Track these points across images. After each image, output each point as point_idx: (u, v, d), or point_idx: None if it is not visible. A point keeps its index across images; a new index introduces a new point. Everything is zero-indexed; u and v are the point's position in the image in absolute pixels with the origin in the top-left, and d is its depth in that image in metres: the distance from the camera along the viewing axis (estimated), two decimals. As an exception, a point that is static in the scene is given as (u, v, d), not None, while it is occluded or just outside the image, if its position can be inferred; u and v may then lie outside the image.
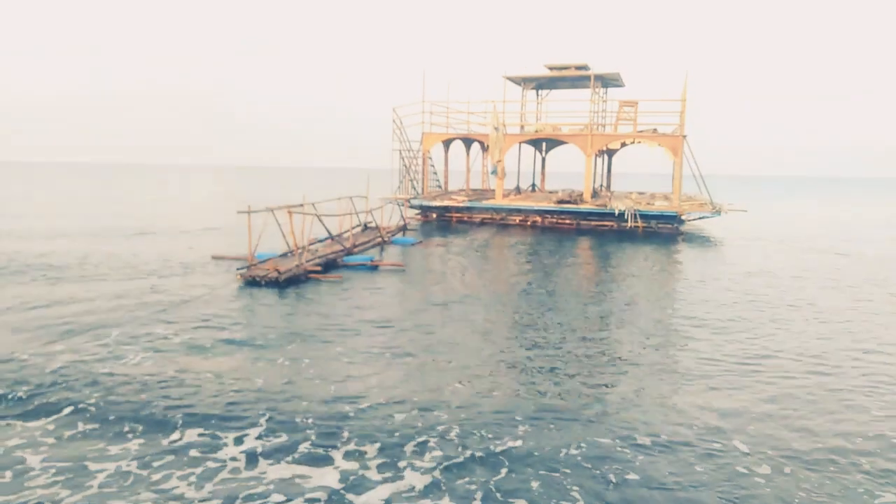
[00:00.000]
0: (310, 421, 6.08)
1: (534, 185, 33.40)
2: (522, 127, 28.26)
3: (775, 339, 9.25)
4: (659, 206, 23.97)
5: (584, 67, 26.91)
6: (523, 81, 28.84)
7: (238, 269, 12.59)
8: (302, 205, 14.73)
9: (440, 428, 5.97)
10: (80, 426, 5.90)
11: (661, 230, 23.49)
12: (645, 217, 23.09)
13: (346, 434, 5.81)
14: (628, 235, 22.36)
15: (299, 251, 13.04)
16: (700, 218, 23.89)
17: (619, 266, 15.89)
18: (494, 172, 25.77)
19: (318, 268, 13.15)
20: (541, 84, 29.99)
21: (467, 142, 30.26)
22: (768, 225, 29.60)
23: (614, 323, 10.06)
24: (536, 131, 27.14)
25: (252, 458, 5.41)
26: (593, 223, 24.28)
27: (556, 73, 27.50)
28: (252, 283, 12.03)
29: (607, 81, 27.87)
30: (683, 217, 23.77)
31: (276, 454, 5.47)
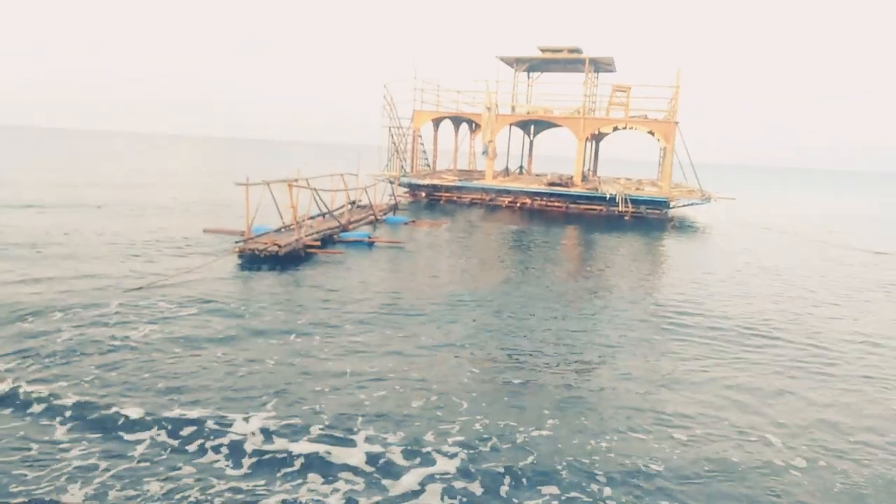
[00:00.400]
0: (324, 404, 5.94)
1: (521, 167, 33.29)
2: (514, 108, 28.02)
3: (792, 326, 9.32)
4: (649, 192, 24.06)
5: (577, 51, 26.70)
6: (516, 62, 28.54)
7: (236, 241, 12.30)
8: (297, 180, 14.40)
9: (462, 415, 5.88)
10: (97, 399, 5.69)
11: (650, 216, 23.59)
12: (635, 202, 23.15)
13: (362, 419, 5.69)
14: (617, 221, 22.42)
15: (298, 225, 12.78)
16: (689, 204, 24.04)
17: (619, 253, 15.92)
18: (485, 153, 25.56)
19: (318, 243, 12.93)
20: (533, 66, 29.73)
21: (456, 121, 29.97)
22: (755, 213, 29.96)
23: (625, 311, 10.03)
24: (528, 113, 26.95)
25: (271, 437, 5.29)
26: (582, 207, 24.29)
27: (548, 56, 27.25)
28: (250, 257, 11.75)
29: (600, 66, 27.73)
30: (672, 203, 23.91)
31: (294, 434, 5.35)
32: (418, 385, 6.50)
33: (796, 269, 14.61)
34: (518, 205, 24.96)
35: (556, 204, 24.61)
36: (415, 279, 11.43)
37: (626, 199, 22.76)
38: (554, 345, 8.01)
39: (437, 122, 28.40)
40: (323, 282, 10.67)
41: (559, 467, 5.02)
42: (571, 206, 24.44)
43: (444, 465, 4.98)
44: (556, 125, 27.92)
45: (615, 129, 25.27)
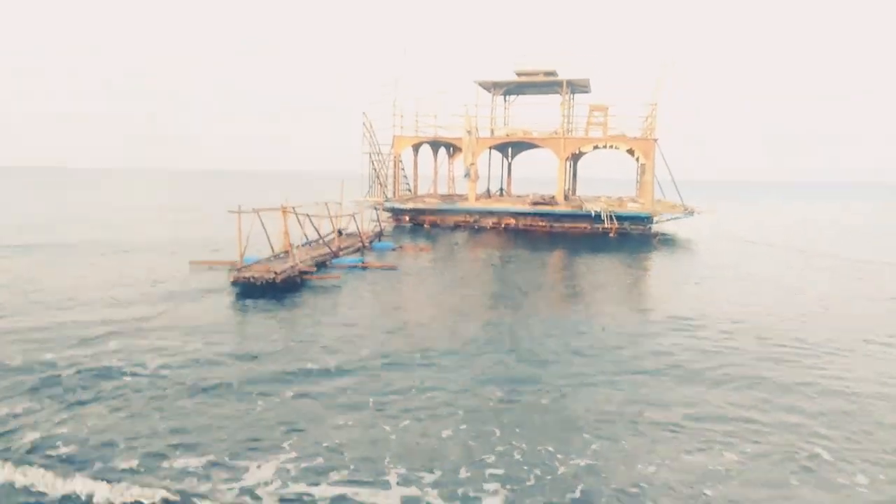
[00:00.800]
0: (347, 441, 5.54)
1: (501, 189, 33.30)
2: (493, 131, 28.06)
3: (810, 336, 9.18)
4: (631, 208, 24.15)
5: (553, 73, 26.93)
6: (493, 87, 28.68)
7: (230, 270, 11.83)
8: (282, 207, 14.02)
9: (497, 444, 5.54)
10: (100, 450, 5.20)
11: (633, 232, 23.64)
12: (619, 219, 23.20)
13: (389, 455, 5.31)
14: (602, 238, 22.40)
15: (293, 252, 12.41)
16: (673, 219, 24.17)
17: (617, 272, 15.79)
18: (467, 175, 25.47)
19: (313, 269, 12.54)
20: (509, 90, 29.91)
21: (435, 146, 29.90)
22: (736, 226, 30.29)
23: (641, 329, 9.81)
24: (508, 135, 26.99)
25: (289, 481, 4.87)
26: (567, 226, 24.26)
27: (524, 79, 27.43)
28: (246, 286, 11.29)
29: (575, 87, 27.97)
30: (656, 219, 24.04)
31: (315, 477, 4.93)
32: (445, 413, 6.15)
33: (787, 279, 14.66)
34: (502, 226, 24.83)
35: (541, 223, 24.54)
36: (418, 305, 11.07)
37: (611, 216, 22.79)
38: (575, 366, 7.70)
39: (416, 147, 28.29)
40: (327, 310, 10.25)
41: (605, 499, 4.70)
42: (555, 224, 24.39)
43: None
44: (535, 146, 28.02)
45: (595, 147, 25.41)
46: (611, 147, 24.93)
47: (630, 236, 23.04)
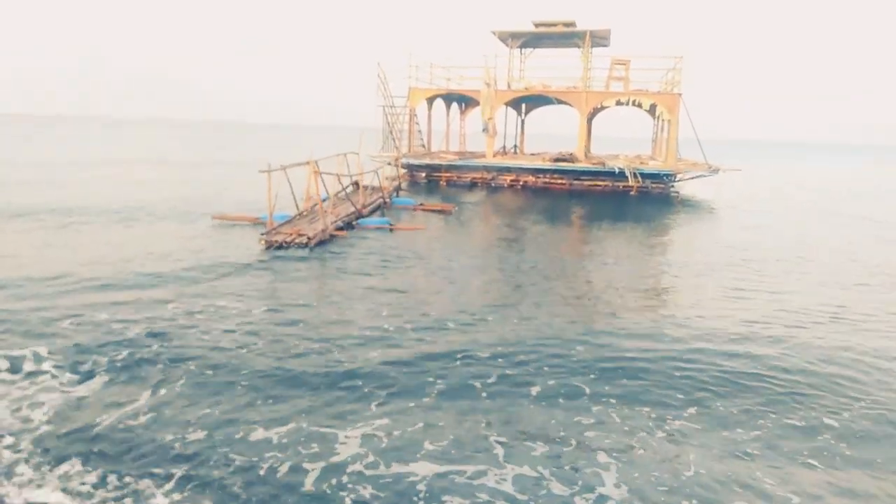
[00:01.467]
0: (442, 408, 5.16)
1: (515, 146, 32.51)
2: (509, 84, 27.15)
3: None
4: (653, 165, 23.53)
5: (572, 24, 25.89)
6: (510, 38, 27.62)
7: (261, 234, 11.26)
8: (308, 163, 13.40)
9: (592, 405, 5.16)
10: (164, 425, 4.79)
11: (654, 190, 23.08)
12: (642, 176, 22.61)
13: (485, 422, 4.92)
14: (622, 196, 21.87)
15: (324, 212, 11.88)
16: (697, 177, 23.58)
17: (659, 237, 15.34)
18: (485, 130, 24.71)
19: (344, 233, 12.01)
20: (526, 42, 28.82)
21: (448, 100, 28.95)
22: (761, 185, 29.76)
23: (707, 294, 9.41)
24: (527, 88, 26.09)
25: (379, 457, 4.45)
26: (586, 183, 23.67)
27: (542, 30, 26.36)
28: (277, 248, 10.80)
29: (595, 40, 26.96)
30: (679, 177, 23.46)
31: (410, 452, 4.52)
32: (533, 370, 5.88)
33: (835, 244, 14.25)
34: (521, 183, 24.22)
35: (560, 181, 23.94)
36: (463, 267, 10.48)
37: (635, 174, 22.20)
38: (651, 326, 7.28)
39: (431, 100, 27.40)
40: (377, 274, 9.67)
41: (712, 473, 4.32)
42: (575, 182, 23.79)
43: (609, 485, 4.22)
44: (551, 102, 27.18)
45: (618, 103, 24.62)
46: (634, 103, 24.14)
47: (650, 195, 22.50)
